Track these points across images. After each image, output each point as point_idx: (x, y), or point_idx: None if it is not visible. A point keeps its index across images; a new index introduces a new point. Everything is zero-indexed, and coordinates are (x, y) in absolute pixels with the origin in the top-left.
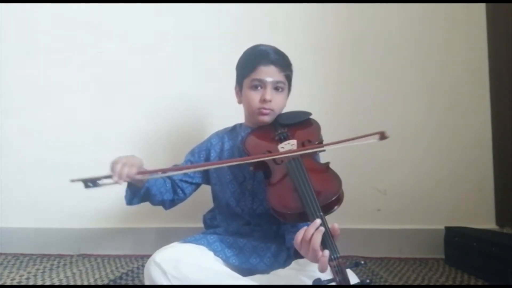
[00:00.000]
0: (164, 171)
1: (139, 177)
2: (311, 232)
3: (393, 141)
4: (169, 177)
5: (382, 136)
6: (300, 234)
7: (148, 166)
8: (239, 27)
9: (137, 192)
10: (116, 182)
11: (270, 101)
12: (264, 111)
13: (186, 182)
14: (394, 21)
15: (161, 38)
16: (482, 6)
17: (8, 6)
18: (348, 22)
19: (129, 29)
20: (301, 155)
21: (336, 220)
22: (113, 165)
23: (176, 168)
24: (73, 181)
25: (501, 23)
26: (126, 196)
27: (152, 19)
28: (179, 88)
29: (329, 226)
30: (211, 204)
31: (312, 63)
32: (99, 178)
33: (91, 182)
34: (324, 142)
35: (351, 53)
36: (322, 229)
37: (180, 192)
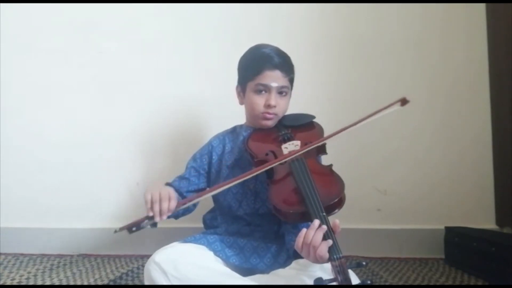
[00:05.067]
0: (199, 195)
1: (179, 207)
2: (311, 235)
3: (393, 140)
4: (178, 192)
5: (404, 101)
6: (300, 238)
7: (149, 165)
8: (239, 27)
9: None
10: (160, 220)
11: (274, 106)
12: (268, 116)
13: (194, 191)
14: (394, 21)
15: (161, 38)
16: (482, 6)
17: (8, 6)
18: (348, 22)
19: (129, 29)
20: (304, 156)
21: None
22: (151, 205)
23: (208, 190)
24: (116, 231)
25: (501, 23)
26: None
27: (152, 19)
28: (179, 88)
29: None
30: (210, 205)
31: (312, 63)
32: (142, 221)
33: (135, 227)
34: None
35: (351, 53)
36: (324, 227)
37: (191, 205)
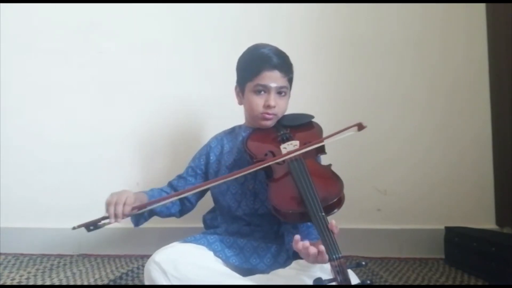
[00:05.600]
0: (158, 201)
1: (135, 212)
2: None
3: (393, 141)
4: (174, 190)
5: (360, 127)
6: (297, 245)
7: (148, 165)
8: (239, 27)
9: (141, 215)
10: (115, 222)
11: (274, 107)
12: (268, 116)
13: None
14: (394, 21)
15: (161, 38)
16: (482, 6)
17: (8, 6)
18: (348, 22)
19: (129, 29)
20: (303, 156)
21: (336, 220)
22: (107, 206)
23: (172, 195)
24: (75, 228)
25: (501, 23)
26: (131, 219)
27: (152, 19)
28: (179, 88)
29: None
30: (210, 204)
31: (311, 63)
32: (99, 221)
33: (92, 226)
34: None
35: (351, 53)
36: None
37: (187, 202)
